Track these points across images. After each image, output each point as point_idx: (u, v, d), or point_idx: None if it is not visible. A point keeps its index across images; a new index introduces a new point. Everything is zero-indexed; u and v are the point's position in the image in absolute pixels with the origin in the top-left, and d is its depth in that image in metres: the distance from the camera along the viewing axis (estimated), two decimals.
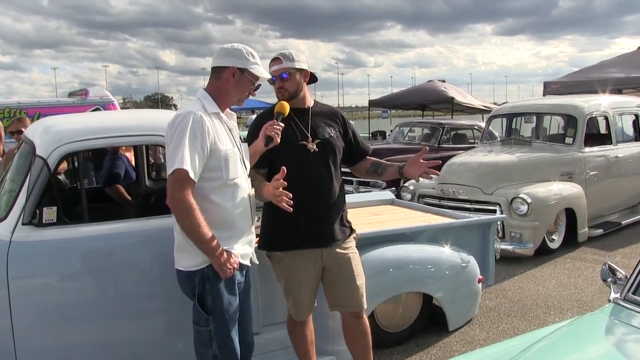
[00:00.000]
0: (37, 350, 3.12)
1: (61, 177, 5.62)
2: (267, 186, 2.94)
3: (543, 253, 6.79)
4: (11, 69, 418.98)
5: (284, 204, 2.85)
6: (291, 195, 2.86)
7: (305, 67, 3.25)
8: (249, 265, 3.00)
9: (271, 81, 3.20)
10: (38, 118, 8.28)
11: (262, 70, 2.93)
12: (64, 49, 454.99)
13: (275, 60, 3.21)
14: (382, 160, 3.63)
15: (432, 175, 3.35)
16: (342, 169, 3.42)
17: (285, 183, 2.86)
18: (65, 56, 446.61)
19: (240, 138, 3.01)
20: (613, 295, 2.43)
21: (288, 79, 3.19)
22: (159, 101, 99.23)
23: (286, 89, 3.20)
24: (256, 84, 2.94)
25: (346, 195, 3.47)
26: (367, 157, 3.57)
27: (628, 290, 2.37)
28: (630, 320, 2.23)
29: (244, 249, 2.90)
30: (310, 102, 3.33)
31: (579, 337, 2.25)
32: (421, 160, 3.32)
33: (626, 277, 2.49)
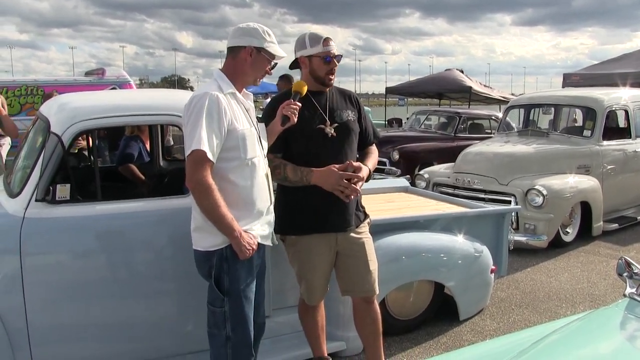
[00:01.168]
0: (49, 328, 3.14)
1: (85, 152, 5.67)
2: (325, 173, 3.04)
3: (557, 246, 6.73)
4: (29, 47, 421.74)
5: (342, 195, 3.01)
6: (359, 190, 3.03)
7: None
8: (271, 245, 3.01)
9: (324, 61, 3.15)
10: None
11: (278, 48, 2.90)
12: (82, 29, 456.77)
13: (328, 40, 3.15)
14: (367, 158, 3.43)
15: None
16: None
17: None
18: (82, 36, 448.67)
19: (256, 118, 3.00)
20: (629, 290, 2.39)
21: (339, 62, 3.21)
22: (175, 83, 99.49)
23: (334, 72, 3.20)
24: (272, 63, 2.91)
25: None
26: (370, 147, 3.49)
27: None
28: None
29: (263, 230, 2.89)
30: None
31: (592, 330, 2.22)
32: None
33: None
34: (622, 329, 2.23)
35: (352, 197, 3.09)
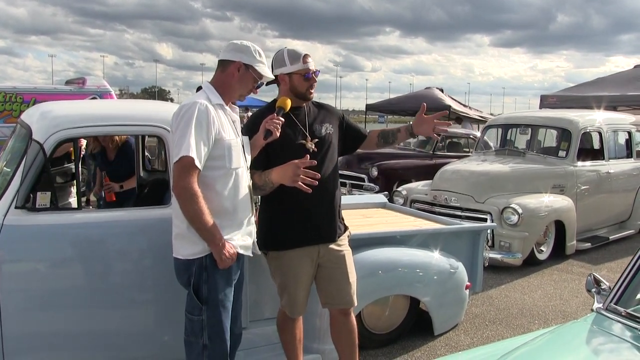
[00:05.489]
0: (24, 336, 3.13)
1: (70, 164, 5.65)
2: (283, 167, 2.97)
3: (531, 263, 6.84)
4: (5, 54, 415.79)
5: (302, 184, 2.90)
6: (319, 175, 2.92)
7: None
8: (251, 255, 3.03)
9: (304, 78, 3.17)
10: (33, 104, 8.29)
11: (266, 70, 2.95)
12: (60, 37, 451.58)
13: (307, 56, 3.18)
14: (388, 128, 3.64)
15: (445, 128, 3.44)
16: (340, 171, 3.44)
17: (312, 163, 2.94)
18: (61, 44, 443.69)
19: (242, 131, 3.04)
20: (596, 305, 2.47)
21: (317, 77, 3.26)
22: (155, 94, 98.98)
23: (314, 87, 3.24)
24: (259, 82, 2.96)
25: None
26: (370, 132, 3.60)
27: (611, 301, 2.41)
28: (611, 329, 2.27)
29: (243, 240, 2.92)
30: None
31: (561, 343, 2.28)
32: (425, 116, 3.37)
33: (610, 288, 2.53)
34: (589, 342, 2.31)
35: (314, 184, 2.93)
